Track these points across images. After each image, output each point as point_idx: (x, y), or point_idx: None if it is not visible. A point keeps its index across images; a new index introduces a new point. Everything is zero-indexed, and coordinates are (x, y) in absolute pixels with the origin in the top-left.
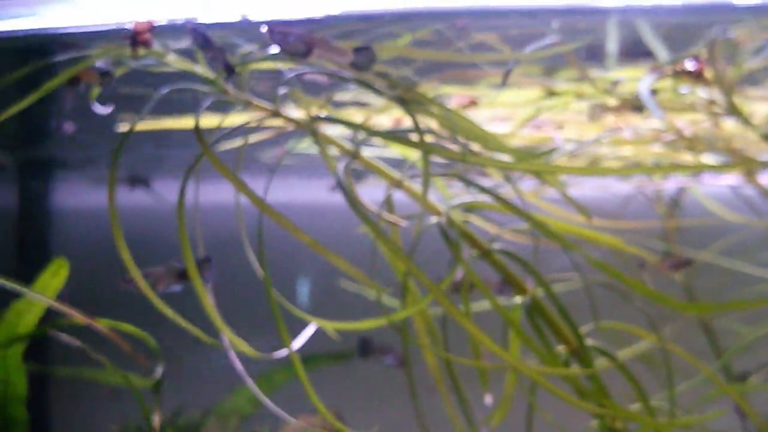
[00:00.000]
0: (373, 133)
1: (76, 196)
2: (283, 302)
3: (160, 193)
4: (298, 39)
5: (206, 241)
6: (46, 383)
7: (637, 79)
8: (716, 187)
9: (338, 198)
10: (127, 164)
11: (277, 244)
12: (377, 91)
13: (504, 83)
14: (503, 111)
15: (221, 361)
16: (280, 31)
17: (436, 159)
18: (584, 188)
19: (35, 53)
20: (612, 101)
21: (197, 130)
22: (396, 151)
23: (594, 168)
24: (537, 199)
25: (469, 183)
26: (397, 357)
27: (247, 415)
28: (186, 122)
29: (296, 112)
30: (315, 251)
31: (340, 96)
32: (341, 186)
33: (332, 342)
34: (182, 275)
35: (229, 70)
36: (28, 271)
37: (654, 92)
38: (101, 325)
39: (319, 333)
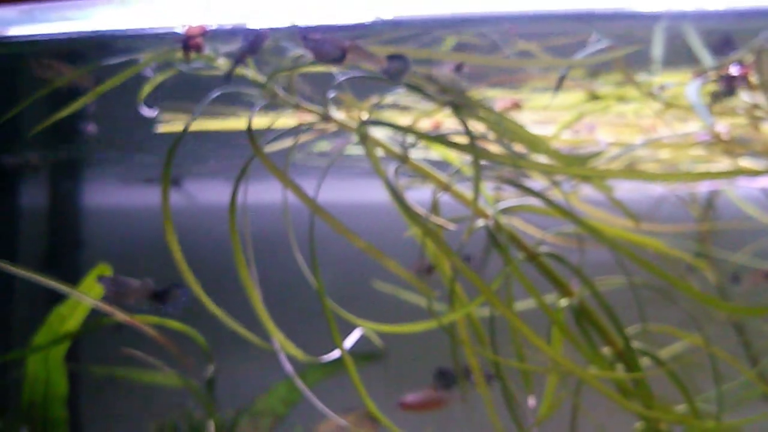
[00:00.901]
0: (421, 136)
1: (106, 195)
2: (335, 307)
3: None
4: (332, 45)
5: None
6: (77, 381)
7: (683, 84)
8: (750, 190)
9: (362, 197)
10: (153, 164)
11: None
12: (429, 96)
13: (557, 89)
14: (544, 114)
15: (255, 361)
16: (313, 38)
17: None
18: (619, 190)
19: (74, 55)
20: (658, 105)
21: (249, 132)
22: (435, 153)
23: (647, 173)
24: (576, 200)
25: (514, 184)
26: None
27: (280, 415)
28: (235, 123)
29: (341, 115)
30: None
31: (380, 98)
32: (391, 189)
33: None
34: (153, 296)
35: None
36: (59, 270)
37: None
38: (149, 322)
39: (346, 331)
